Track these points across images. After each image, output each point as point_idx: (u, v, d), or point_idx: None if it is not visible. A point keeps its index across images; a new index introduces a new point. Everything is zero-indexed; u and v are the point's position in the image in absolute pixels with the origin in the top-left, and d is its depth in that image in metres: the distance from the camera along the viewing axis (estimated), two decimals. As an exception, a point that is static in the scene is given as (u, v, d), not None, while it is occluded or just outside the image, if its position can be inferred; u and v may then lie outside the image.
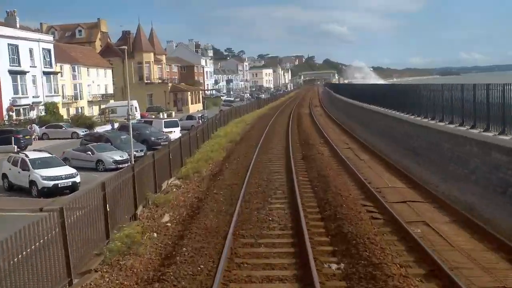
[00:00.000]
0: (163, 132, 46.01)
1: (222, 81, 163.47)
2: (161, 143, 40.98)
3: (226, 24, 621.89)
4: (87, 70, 78.39)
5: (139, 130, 43.91)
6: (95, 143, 36.06)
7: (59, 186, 25.72)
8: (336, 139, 36.92)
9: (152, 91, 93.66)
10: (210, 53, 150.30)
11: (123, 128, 45.38)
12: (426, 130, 25.32)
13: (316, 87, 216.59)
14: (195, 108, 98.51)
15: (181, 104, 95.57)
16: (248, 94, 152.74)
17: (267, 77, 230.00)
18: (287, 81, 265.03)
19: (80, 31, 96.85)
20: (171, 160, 25.20)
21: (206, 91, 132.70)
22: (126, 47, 37.78)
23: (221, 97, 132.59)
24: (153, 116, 77.79)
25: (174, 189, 22.80)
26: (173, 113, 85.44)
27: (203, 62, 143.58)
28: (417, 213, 16.38)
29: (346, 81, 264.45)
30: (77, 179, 26.53)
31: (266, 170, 24.96)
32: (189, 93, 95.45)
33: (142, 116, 77.13)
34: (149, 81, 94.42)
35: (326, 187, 19.59)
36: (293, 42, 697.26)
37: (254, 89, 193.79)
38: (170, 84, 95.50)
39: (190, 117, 60.63)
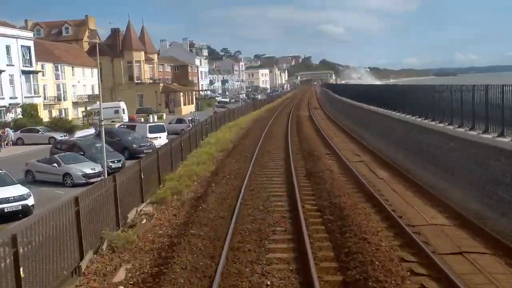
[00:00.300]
0: (148, 138, 40.72)
1: (218, 81, 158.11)
2: (144, 151, 35.83)
3: (221, 24, 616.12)
4: (72, 69, 72.92)
5: (120, 136, 38.59)
6: (63, 153, 30.73)
7: (5, 211, 20.47)
8: (344, 148, 31.65)
9: (142, 91, 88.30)
10: (205, 52, 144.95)
11: (106, 133, 40.10)
12: (461, 142, 19.80)
13: (313, 88, 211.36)
14: (188, 109, 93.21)
15: (173, 106, 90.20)
16: (244, 95, 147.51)
17: (263, 78, 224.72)
18: (283, 82, 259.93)
19: (67, 28, 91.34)
20: (145, 179, 19.96)
21: (200, 92, 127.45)
22: (97, 42, 31.72)
23: (216, 98, 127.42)
24: (142, 119, 72.61)
25: (144, 220, 17.51)
26: (164, 115, 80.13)
27: (197, 62, 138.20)
28: (487, 277, 11.04)
29: (343, 82, 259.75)
30: (30, 201, 21.24)
31: (262, 194, 19.64)
32: (181, 93, 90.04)
33: (130, 119, 71.90)
34: (139, 81, 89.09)
35: (343, 224, 14.31)
36: (289, 42, 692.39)
37: (250, 89, 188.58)
38: (161, 85, 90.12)
39: (180, 120, 55.29)
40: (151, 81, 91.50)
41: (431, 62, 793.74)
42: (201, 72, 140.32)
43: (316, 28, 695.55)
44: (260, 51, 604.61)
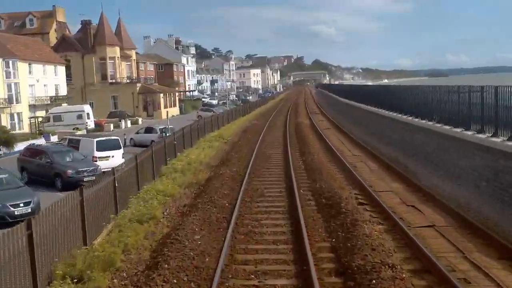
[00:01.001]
0: (95, 158, 28.74)
1: (206, 81, 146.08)
2: (84, 179, 24.17)
3: (212, 25, 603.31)
4: (29, 66, 60.46)
5: (52, 157, 26.65)
6: None
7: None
8: (382, 187, 19.33)
9: (117, 92, 76.19)
10: (192, 50, 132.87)
11: (33, 152, 27.95)
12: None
13: (307, 88, 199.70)
14: (170, 112, 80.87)
15: (152, 108, 78.08)
16: (234, 96, 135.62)
17: (255, 78, 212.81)
18: (276, 82, 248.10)
19: (31, 20, 78.84)
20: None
21: (185, 92, 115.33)
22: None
23: (203, 99, 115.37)
24: (112, 125, 60.51)
25: None
26: (140, 120, 68.04)
27: (184, 60, 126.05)
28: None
29: (337, 82, 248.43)
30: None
31: None
32: (161, 95, 77.83)
33: (97, 124, 59.87)
34: (114, 81, 76.97)
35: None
36: (281, 43, 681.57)
37: (241, 90, 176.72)
38: (139, 85, 77.95)
39: (149, 130, 43.23)
40: (128, 80, 79.39)
41: (422, 63, 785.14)
42: (187, 71, 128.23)
43: (308, 29, 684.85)
44: (252, 51, 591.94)
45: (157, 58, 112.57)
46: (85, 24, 75.92)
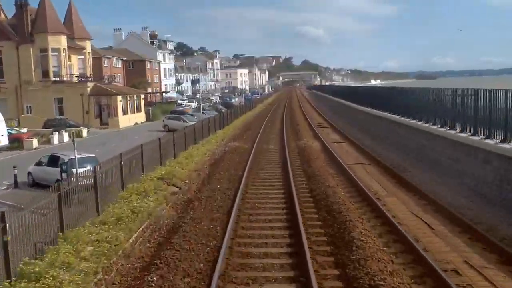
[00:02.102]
0: None
1: (187, 81, 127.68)
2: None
3: (199, 25, 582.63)
4: None
5: None
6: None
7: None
8: None
9: (62, 93, 57.80)
10: (171, 45, 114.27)
11: None
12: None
13: (298, 90, 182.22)
14: (132, 119, 62.88)
15: (107, 115, 59.75)
16: (217, 98, 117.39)
17: (242, 78, 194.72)
18: (264, 83, 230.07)
19: (-48, 0, 60.12)
20: None
21: (161, 94, 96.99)
22: None
23: (180, 102, 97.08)
24: (34, 141, 42.18)
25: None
26: (85, 131, 49.81)
27: (160, 57, 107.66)
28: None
29: (327, 83, 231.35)
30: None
31: None
32: (119, 97, 59.37)
33: (14, 139, 41.73)
34: (58, 79, 58.59)
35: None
36: (269, 44, 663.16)
37: (227, 90, 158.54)
38: (91, 84, 59.49)
39: (53, 161, 24.77)
40: (81, 78, 60.98)
41: (409, 65, 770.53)
42: (164, 69, 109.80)
43: (297, 30, 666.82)
44: (240, 52, 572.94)
45: (126, 54, 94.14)
46: (21, 6, 57.25)
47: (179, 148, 28.33)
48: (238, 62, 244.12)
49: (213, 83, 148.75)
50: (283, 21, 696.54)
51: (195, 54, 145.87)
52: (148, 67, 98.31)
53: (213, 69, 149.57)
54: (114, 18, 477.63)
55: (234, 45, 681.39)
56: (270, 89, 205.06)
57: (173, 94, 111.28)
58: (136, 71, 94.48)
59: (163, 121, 54.96)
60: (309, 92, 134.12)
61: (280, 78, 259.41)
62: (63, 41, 58.42)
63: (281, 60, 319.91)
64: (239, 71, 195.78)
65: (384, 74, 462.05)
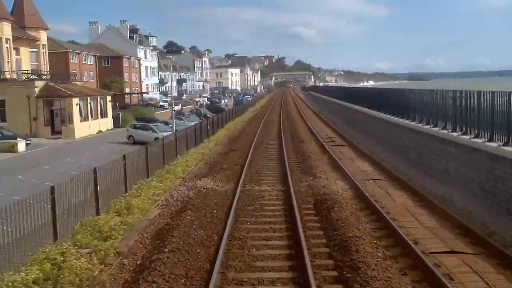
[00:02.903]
0: None
1: (173, 80, 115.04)
2: None
3: (191, 25, 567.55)
4: None
5: None
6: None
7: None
8: None
9: (4, 95, 45.23)
10: (154, 41, 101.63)
11: None
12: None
13: (292, 91, 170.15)
14: (95, 127, 50.38)
15: (60, 121, 47.20)
16: (206, 99, 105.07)
17: (233, 78, 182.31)
18: (256, 83, 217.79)
19: None
20: None
21: (139, 95, 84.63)
22: None
23: (162, 104, 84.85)
24: None
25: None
26: (22, 145, 37.39)
27: (141, 54, 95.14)
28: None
29: (321, 84, 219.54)
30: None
31: None
32: (75, 100, 46.71)
33: None
34: (1, 76, 46.19)
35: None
36: (261, 44, 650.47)
37: (217, 91, 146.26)
38: (40, 83, 46.88)
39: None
40: (33, 76, 48.43)
41: (401, 66, 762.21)
42: (146, 67, 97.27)
43: (289, 31, 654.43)
44: (231, 52, 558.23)
45: (101, 49, 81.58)
46: (-50, -16, 44.67)
47: (114, 191, 16.14)
48: (230, 62, 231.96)
49: (202, 83, 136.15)
50: (275, 22, 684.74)
51: (183, 52, 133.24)
52: (126, 65, 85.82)
53: (202, 68, 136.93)
54: (106, 17, 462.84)
55: (226, 46, 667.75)
56: (263, 90, 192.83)
57: (155, 95, 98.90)
58: (112, 69, 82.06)
59: (128, 130, 42.50)
60: (305, 94, 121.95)
61: (273, 78, 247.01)
62: (5, 28, 45.91)
63: (274, 60, 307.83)
64: (230, 70, 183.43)
65: (377, 76, 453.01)
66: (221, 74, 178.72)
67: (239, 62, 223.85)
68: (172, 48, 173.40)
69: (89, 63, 75.75)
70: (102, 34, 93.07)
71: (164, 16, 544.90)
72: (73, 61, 70.03)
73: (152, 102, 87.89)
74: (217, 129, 41.96)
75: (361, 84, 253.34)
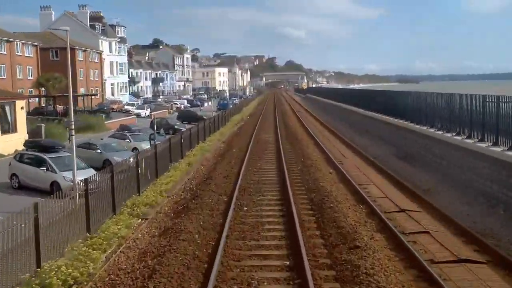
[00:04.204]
0: None
1: (147, 79, 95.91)
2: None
3: (181, 25, 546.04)
4: None
5: None
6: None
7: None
8: None
9: None
10: (121, 32, 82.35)
11: None
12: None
13: (284, 93, 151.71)
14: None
15: None
16: (185, 102, 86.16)
17: (220, 78, 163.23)
18: (245, 83, 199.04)
19: None
20: None
21: (91, 97, 65.60)
22: None
23: (126, 108, 66.25)
24: None
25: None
26: None
27: (105, 46, 76.14)
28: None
29: (314, 85, 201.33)
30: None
31: None
32: None
33: None
34: None
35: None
36: (251, 44, 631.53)
37: (202, 92, 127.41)
38: None
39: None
40: None
41: (391, 68, 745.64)
42: (111, 63, 78.22)
43: (279, 31, 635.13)
44: (221, 51, 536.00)
45: (48, 38, 62.64)
46: None
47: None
48: (219, 61, 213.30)
49: (183, 82, 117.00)
50: (264, 22, 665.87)
51: (161, 47, 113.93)
52: (81, 58, 66.76)
53: (183, 66, 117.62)
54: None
55: (216, 46, 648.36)
56: (252, 91, 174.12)
57: (123, 97, 79.98)
58: (64, 64, 63.08)
59: (10, 165, 23.53)
60: (302, 97, 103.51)
61: (264, 78, 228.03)
62: None
63: (264, 59, 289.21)
64: (218, 70, 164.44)
65: (367, 77, 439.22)
66: (207, 73, 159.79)
67: (229, 61, 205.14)
68: (159, 47, 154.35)
69: (27, 55, 56.94)
70: (56, 21, 73.81)
71: (152, 15, 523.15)
72: (2, 52, 51.52)
73: (114, 107, 68.88)
74: (187, 149, 24.15)
75: (356, 86, 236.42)
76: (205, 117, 55.72)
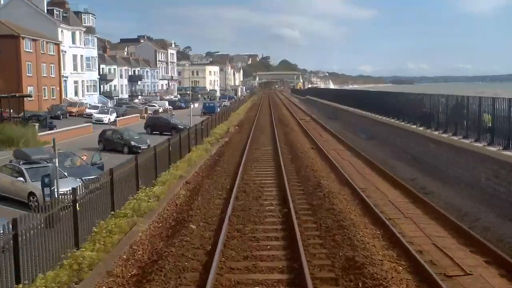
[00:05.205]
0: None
1: (122, 77, 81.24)
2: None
3: (173, 23, 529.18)
4: None
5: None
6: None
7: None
8: None
9: None
10: (89, 21, 67.68)
11: None
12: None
13: (280, 94, 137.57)
14: None
15: None
16: (166, 103, 71.84)
17: (211, 77, 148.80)
18: (238, 83, 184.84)
19: None
20: None
21: (23, 98, 51.48)
22: None
23: (91, 112, 52.32)
24: None
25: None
26: None
27: (66, 36, 61.66)
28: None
29: (309, 86, 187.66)
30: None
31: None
32: None
33: None
34: None
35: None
36: (245, 44, 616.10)
37: (188, 92, 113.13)
38: None
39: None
40: None
41: (384, 69, 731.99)
42: (74, 56, 63.69)
43: (272, 31, 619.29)
44: (213, 50, 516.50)
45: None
46: None
47: None
48: (211, 60, 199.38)
49: (166, 81, 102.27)
50: (258, 22, 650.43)
51: (142, 40, 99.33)
52: (30, 50, 52.34)
53: (167, 62, 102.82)
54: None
55: (209, 45, 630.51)
56: (245, 92, 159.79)
57: (91, 98, 65.68)
58: (7, 56, 48.91)
59: None
60: (301, 100, 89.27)
61: (257, 78, 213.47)
62: None
63: (258, 59, 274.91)
64: (209, 68, 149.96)
65: (361, 78, 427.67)
66: (197, 72, 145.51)
67: (221, 60, 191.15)
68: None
69: None
70: (6, 5, 59.26)
71: (145, 14, 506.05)
72: None
73: (73, 110, 54.60)
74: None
75: (351, 87, 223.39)
76: (180, 126, 42.06)
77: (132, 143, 31.03)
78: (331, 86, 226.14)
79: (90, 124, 44.04)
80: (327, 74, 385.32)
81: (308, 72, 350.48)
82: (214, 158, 24.41)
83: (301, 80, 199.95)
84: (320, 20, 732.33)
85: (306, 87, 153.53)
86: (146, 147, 30.47)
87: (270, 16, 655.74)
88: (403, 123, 26.36)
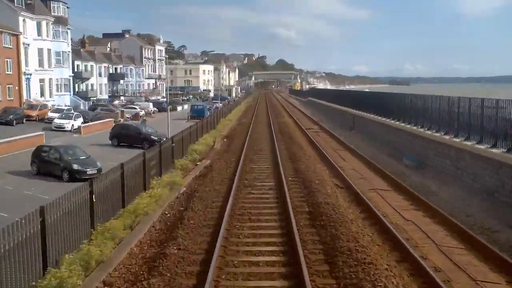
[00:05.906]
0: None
1: (101, 75, 71.16)
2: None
3: (169, 23, 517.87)
4: None
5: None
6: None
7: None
8: None
9: None
10: (60, 11, 57.83)
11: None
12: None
13: (277, 94, 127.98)
14: None
15: None
16: (150, 105, 62.19)
17: (205, 76, 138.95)
18: (233, 83, 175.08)
19: None
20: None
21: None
22: None
23: (52, 116, 42.27)
24: None
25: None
26: None
27: (28, 27, 51.77)
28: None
29: (307, 86, 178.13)
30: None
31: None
32: None
33: None
34: None
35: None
36: (241, 44, 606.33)
37: (180, 92, 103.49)
38: None
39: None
40: None
41: (380, 70, 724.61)
42: (39, 50, 53.73)
43: (269, 31, 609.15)
44: (209, 49, 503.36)
45: None
46: None
47: None
48: (206, 59, 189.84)
49: (153, 80, 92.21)
50: (255, 22, 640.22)
51: (127, 35, 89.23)
52: (-23, 41, 42.37)
53: (154, 59, 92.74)
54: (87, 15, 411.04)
55: (205, 44, 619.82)
56: (240, 92, 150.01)
57: (62, 99, 55.90)
58: None
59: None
60: (302, 102, 79.60)
61: (253, 78, 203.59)
62: None
63: (254, 58, 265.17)
64: (202, 67, 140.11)
65: (358, 79, 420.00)
66: (190, 71, 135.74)
67: (216, 59, 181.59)
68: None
69: None
70: (-43, -10, 49.26)
71: (141, 13, 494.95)
72: None
73: (32, 114, 44.83)
74: None
75: (347, 87, 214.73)
76: (154, 137, 32.38)
77: (75, 166, 21.34)
78: (328, 86, 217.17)
79: (42, 133, 34.25)
80: (324, 74, 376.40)
81: (305, 72, 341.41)
82: (177, 208, 14.63)
83: (299, 80, 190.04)
84: (317, 20, 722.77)
85: (305, 88, 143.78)
86: (95, 171, 20.93)
87: (267, 16, 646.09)
88: (469, 143, 16.82)
